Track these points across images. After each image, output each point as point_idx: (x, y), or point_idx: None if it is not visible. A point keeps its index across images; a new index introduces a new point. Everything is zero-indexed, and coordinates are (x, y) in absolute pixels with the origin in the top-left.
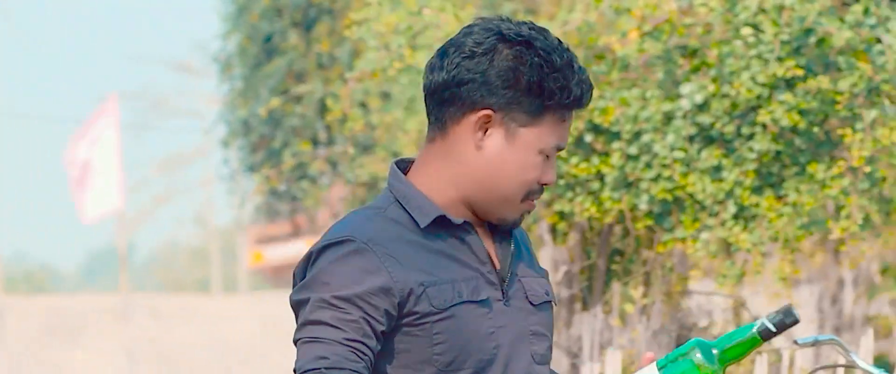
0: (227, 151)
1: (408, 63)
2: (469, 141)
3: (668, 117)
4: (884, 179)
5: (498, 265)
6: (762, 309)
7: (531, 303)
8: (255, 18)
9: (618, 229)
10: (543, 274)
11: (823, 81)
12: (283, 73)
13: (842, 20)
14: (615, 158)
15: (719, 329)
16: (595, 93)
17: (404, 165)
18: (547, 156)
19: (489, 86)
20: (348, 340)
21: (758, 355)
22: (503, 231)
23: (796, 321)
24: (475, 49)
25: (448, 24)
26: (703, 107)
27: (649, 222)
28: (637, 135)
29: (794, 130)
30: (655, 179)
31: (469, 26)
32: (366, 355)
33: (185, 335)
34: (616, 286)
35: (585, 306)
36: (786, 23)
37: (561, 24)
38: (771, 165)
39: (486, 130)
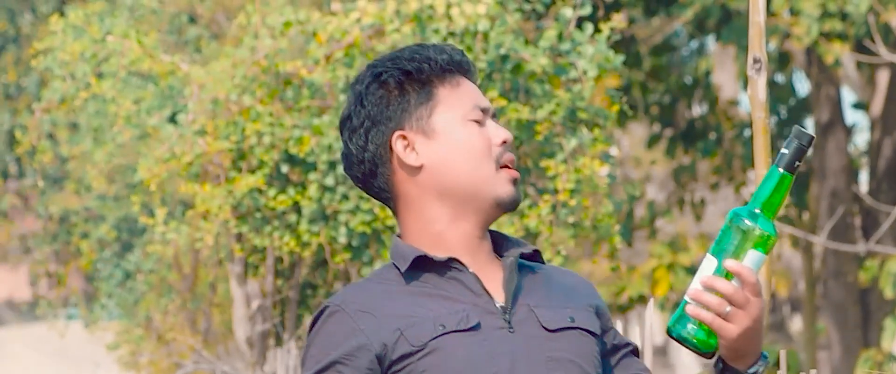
0: None
1: (94, 92)
2: (408, 173)
3: None
4: (585, 208)
5: (503, 296)
6: None
7: (546, 329)
8: None
9: (310, 262)
10: (577, 306)
11: (523, 110)
12: None
13: (536, 46)
14: (312, 190)
15: None
16: (288, 121)
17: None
18: (477, 121)
19: (377, 120)
20: None
21: None
22: (513, 263)
23: (812, 138)
24: (349, 114)
25: (132, 50)
26: None
27: (348, 256)
28: (333, 165)
29: None
30: (354, 211)
31: (347, 102)
32: None
33: None
34: (309, 320)
35: (279, 342)
36: (481, 49)
37: (248, 51)
38: None
39: (412, 148)
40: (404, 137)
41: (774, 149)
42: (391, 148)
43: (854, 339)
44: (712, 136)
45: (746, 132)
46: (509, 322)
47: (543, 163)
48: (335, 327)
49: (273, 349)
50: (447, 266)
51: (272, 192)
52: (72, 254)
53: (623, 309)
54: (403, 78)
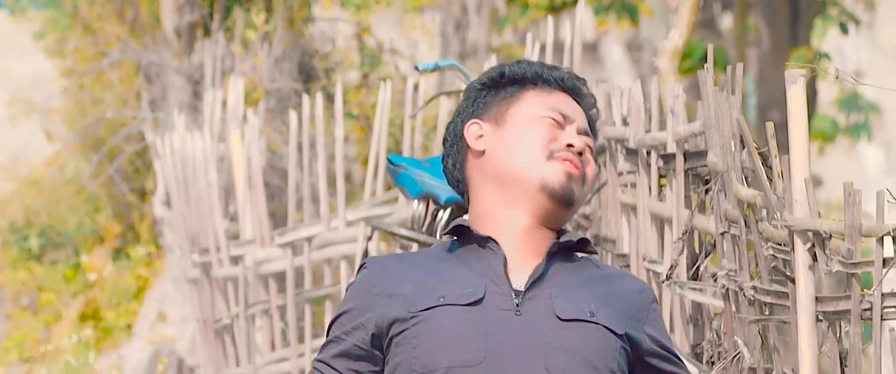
0: None
1: None
2: (474, 158)
3: None
4: None
5: (523, 283)
6: (385, 35)
7: (558, 317)
8: None
9: None
10: (609, 307)
11: None
12: None
13: None
14: None
15: (342, 55)
16: None
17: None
18: (553, 120)
19: (463, 113)
20: (317, 360)
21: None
22: (549, 251)
23: None
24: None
25: None
26: None
27: None
28: None
29: None
30: None
31: None
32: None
33: None
34: (238, 13)
35: (207, 33)
36: None
37: None
38: None
39: (481, 135)
40: (477, 125)
41: None
42: (464, 139)
43: (783, 37)
44: None
45: None
46: (518, 305)
47: None
48: (359, 282)
49: (201, 40)
50: (483, 243)
51: None
52: None
53: (556, 9)
54: (497, 77)
